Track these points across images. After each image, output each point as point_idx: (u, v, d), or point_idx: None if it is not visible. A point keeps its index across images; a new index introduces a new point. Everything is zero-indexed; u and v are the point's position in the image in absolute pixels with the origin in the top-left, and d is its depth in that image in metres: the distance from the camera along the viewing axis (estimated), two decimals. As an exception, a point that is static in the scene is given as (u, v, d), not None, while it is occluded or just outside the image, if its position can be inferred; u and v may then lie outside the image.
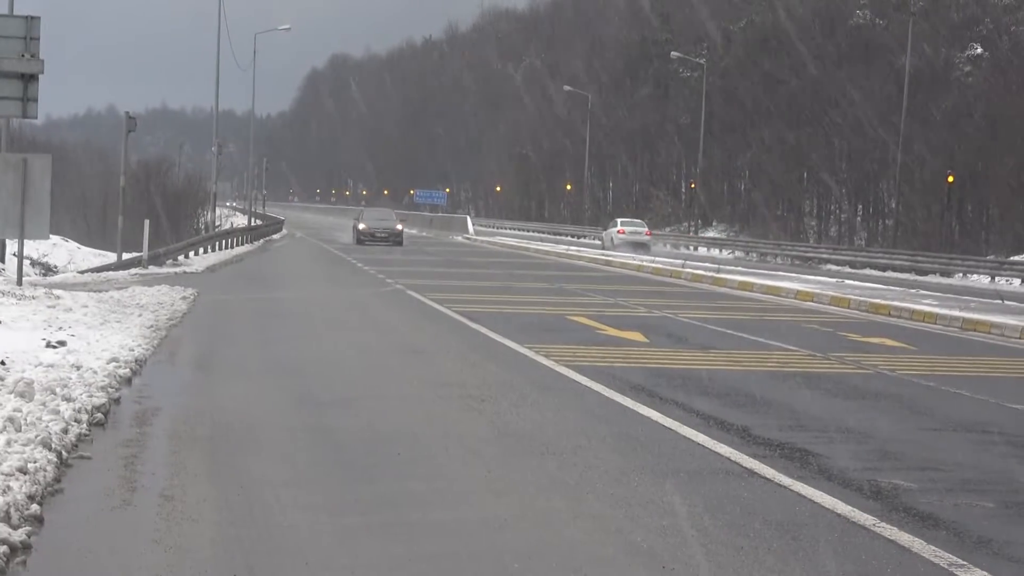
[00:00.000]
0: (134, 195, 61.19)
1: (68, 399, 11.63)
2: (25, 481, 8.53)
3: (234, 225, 75.21)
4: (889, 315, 27.88)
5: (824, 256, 63.93)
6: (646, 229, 74.21)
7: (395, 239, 65.43)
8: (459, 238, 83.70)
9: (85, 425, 11.00)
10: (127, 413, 12.17)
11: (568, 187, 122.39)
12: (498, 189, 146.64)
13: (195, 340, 19.19)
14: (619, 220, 76.66)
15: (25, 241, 25.90)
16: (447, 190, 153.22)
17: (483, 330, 21.44)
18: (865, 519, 8.77)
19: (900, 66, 68.85)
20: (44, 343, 15.93)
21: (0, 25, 25.56)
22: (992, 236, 67.85)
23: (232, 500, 8.93)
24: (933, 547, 8.08)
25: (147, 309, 22.21)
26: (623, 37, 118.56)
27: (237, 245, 59.03)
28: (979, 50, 75.68)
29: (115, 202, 46.55)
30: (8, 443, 9.44)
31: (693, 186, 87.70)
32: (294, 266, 46.78)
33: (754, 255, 69.20)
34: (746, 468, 10.40)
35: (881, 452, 11.54)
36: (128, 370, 14.40)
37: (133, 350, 15.92)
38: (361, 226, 66.82)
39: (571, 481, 9.82)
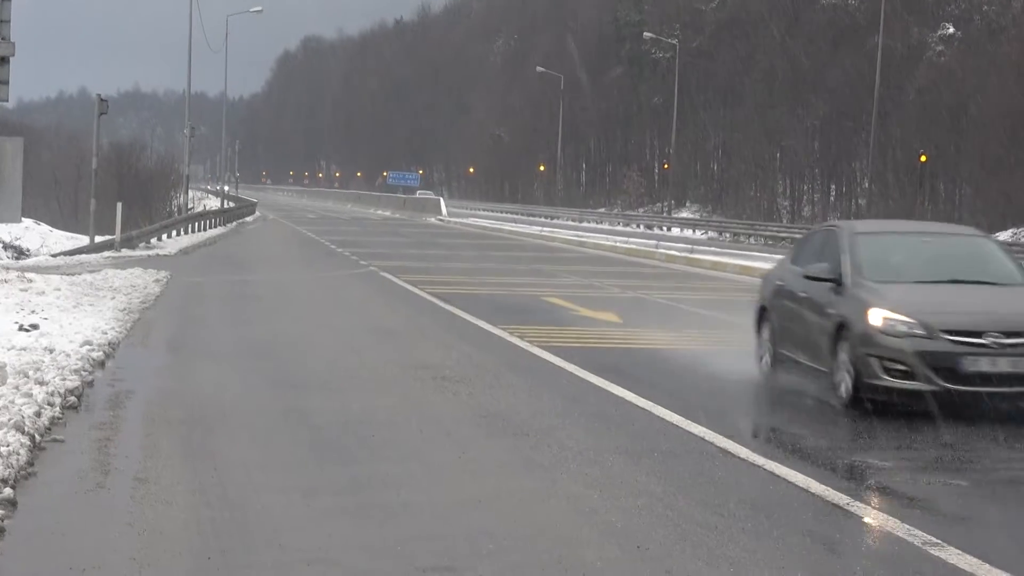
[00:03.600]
0: (106, 178, 60.84)
1: (41, 382, 11.58)
2: (-3, 465, 8.50)
3: (207, 207, 74.74)
4: (862, 294, 27.89)
5: (798, 236, 63.97)
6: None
7: None
8: (432, 219, 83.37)
9: (58, 408, 10.96)
10: (100, 396, 12.12)
11: (541, 168, 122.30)
12: (471, 170, 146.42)
13: (168, 323, 19.13)
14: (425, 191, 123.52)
15: (-4, 224, 25.76)
16: (420, 172, 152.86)
17: (457, 311, 21.42)
18: (839, 498, 8.78)
19: (873, 45, 68.89)
20: (16, 326, 15.84)
21: (-30, 7, 25.41)
22: (964, 215, 67.96)
23: (206, 483, 8.91)
24: (907, 525, 8.09)
25: (120, 292, 22.12)
26: (596, 18, 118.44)
27: (210, 227, 58.82)
28: (951, 30, 75.79)
29: (87, 185, 46.28)
30: (-20, 427, 9.40)
31: (667, 166, 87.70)
32: (267, 248, 46.66)
33: (727, 235, 69.29)
34: (720, 448, 10.42)
35: (854, 431, 11.57)
36: (101, 353, 14.34)
37: (106, 333, 15.86)
38: (880, 317, 12.01)
39: (545, 462, 9.82)
